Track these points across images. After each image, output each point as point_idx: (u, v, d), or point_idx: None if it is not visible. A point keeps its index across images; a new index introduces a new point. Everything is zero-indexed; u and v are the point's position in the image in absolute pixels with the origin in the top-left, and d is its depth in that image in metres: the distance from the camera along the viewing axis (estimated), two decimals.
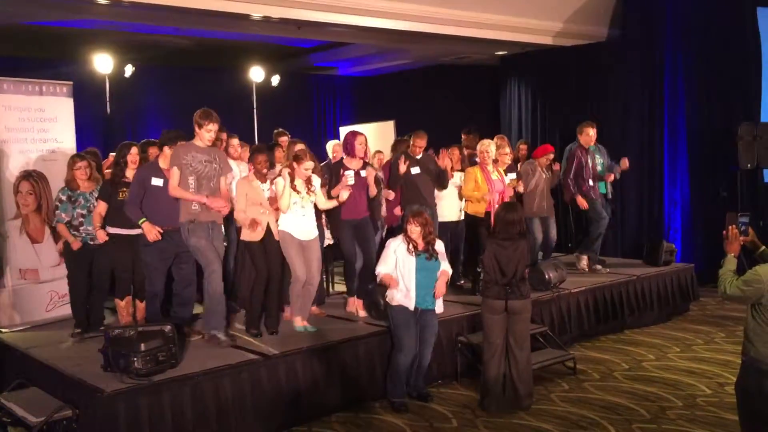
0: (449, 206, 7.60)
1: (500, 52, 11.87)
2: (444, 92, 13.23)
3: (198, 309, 6.11)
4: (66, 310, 6.45)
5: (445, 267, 5.51)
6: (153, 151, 6.36)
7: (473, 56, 12.33)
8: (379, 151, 8.61)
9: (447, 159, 7.38)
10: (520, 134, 11.83)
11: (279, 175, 5.96)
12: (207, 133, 5.48)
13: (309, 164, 5.92)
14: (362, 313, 6.50)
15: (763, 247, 3.95)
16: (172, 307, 5.93)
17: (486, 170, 7.29)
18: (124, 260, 6.03)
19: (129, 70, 11.41)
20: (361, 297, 6.56)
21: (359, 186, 6.39)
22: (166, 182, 5.54)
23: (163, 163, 5.68)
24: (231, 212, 5.89)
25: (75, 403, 4.76)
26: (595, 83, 10.76)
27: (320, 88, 14.69)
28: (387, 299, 5.52)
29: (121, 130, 11.39)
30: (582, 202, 8.09)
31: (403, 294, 5.37)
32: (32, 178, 6.61)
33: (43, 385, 5.23)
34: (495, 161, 7.40)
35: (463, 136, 8.85)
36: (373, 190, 6.58)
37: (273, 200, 5.90)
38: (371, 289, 6.29)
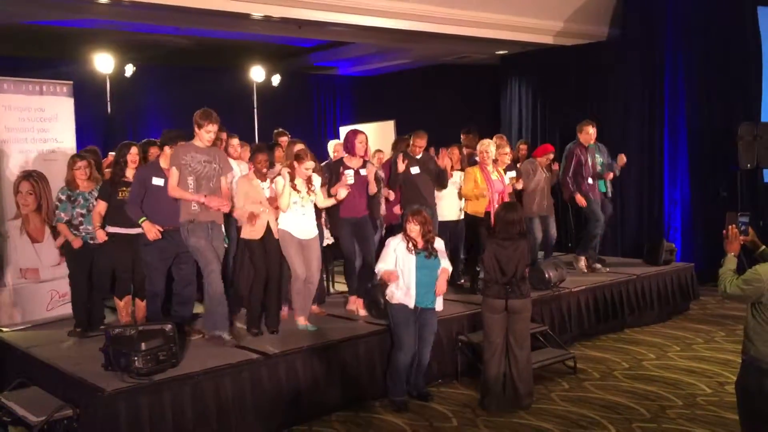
0: (449, 206, 7.60)
1: (500, 52, 11.87)
2: (444, 92, 13.23)
3: (198, 308, 6.11)
4: (66, 310, 6.45)
5: (446, 265, 5.51)
6: (154, 151, 6.36)
7: (473, 56, 12.33)
8: (379, 150, 8.61)
9: (447, 159, 7.39)
10: (520, 134, 11.84)
11: (279, 174, 5.97)
12: (206, 133, 5.48)
13: (310, 164, 5.93)
14: (362, 312, 6.50)
15: (763, 247, 3.95)
16: (172, 306, 5.93)
17: (486, 170, 7.29)
18: (125, 260, 6.03)
19: (129, 69, 11.42)
20: (362, 296, 6.57)
21: (359, 185, 6.39)
22: (167, 182, 5.55)
23: (164, 163, 5.68)
24: (232, 211, 5.90)
25: (75, 402, 4.76)
26: (596, 83, 10.76)
27: (320, 87, 14.70)
28: (387, 297, 5.53)
29: (121, 130, 11.40)
30: (581, 200, 8.09)
31: (403, 292, 5.38)
32: (32, 178, 6.61)
33: (43, 385, 5.24)
34: (495, 161, 7.41)
35: (462, 136, 8.85)
36: (373, 188, 6.58)
37: (273, 199, 5.91)
38: (371, 288, 6.29)
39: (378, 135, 10.60)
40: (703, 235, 9.85)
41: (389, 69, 13.85)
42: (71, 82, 7.09)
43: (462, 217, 7.60)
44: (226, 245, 6.11)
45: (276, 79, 13.21)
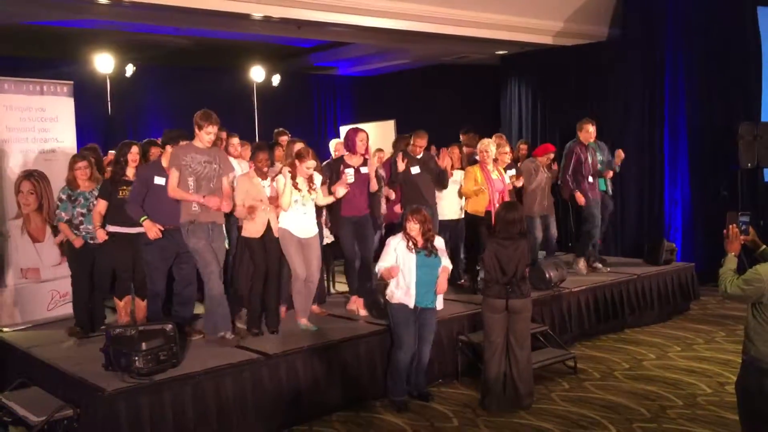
0: (449, 205, 7.60)
1: (500, 52, 11.87)
2: (444, 92, 13.23)
3: (199, 309, 6.11)
4: (67, 310, 6.45)
5: (446, 263, 5.52)
6: (155, 150, 6.37)
7: (473, 56, 12.33)
8: (379, 149, 8.61)
9: (447, 158, 7.38)
10: (520, 134, 11.84)
11: (280, 172, 5.97)
12: (206, 135, 5.49)
13: (311, 162, 5.93)
14: (363, 312, 6.50)
15: (764, 246, 3.95)
16: (172, 306, 5.93)
17: (486, 169, 7.29)
18: (125, 259, 6.02)
19: (130, 69, 11.43)
20: (362, 296, 6.57)
21: (360, 183, 6.39)
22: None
23: (165, 162, 5.68)
24: (233, 211, 5.90)
25: (76, 402, 4.76)
26: (596, 83, 10.76)
27: (320, 87, 14.70)
28: (387, 297, 5.53)
29: (121, 130, 11.41)
30: (580, 198, 8.08)
31: (404, 291, 5.38)
32: (33, 177, 6.63)
33: (44, 385, 5.24)
34: (495, 160, 7.41)
35: (461, 136, 8.85)
36: (374, 185, 6.58)
37: (274, 198, 5.90)
38: (372, 287, 6.29)
39: (378, 135, 10.60)
40: (703, 234, 9.85)
41: (389, 69, 13.85)
42: (72, 82, 7.11)
43: (462, 216, 7.61)
44: (227, 246, 6.11)
45: (276, 79, 13.21)
